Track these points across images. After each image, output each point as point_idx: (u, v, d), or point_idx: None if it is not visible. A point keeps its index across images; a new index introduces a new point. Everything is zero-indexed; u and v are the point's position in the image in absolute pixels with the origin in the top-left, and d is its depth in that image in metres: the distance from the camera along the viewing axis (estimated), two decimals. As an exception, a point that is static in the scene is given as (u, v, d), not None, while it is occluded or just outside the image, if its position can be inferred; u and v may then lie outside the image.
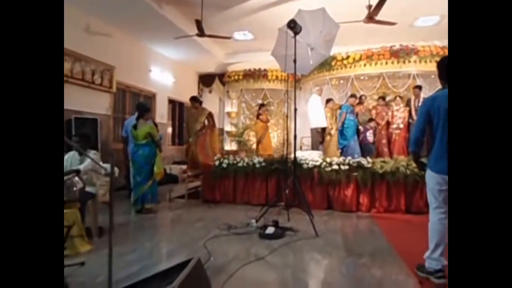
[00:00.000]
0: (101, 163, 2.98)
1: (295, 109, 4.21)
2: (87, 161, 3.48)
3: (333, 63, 7.60)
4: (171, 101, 9.22)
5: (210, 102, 10.52)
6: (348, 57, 7.42)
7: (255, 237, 3.62)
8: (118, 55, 6.68)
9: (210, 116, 6.25)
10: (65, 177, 3.16)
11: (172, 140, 9.46)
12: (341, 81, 7.94)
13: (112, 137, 6.65)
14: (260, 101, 9.49)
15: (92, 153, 3.58)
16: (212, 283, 2.25)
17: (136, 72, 7.42)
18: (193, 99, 6.38)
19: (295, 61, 4.04)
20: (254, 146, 8.87)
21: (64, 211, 2.96)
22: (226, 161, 5.64)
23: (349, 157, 5.23)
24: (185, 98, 9.64)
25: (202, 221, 4.40)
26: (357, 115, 7.20)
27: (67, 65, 5.45)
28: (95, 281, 2.47)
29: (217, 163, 5.66)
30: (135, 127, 4.85)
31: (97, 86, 6.15)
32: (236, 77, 9.65)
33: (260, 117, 8.20)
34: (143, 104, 5.32)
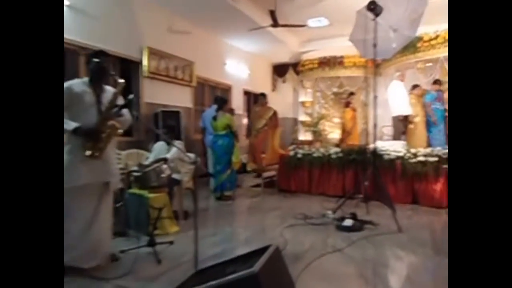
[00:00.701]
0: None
1: (375, 97, 4.00)
2: (173, 150, 3.82)
3: (418, 45, 6.96)
4: (246, 93, 9.50)
5: (284, 92, 10.58)
6: (437, 36, 6.72)
7: (331, 229, 3.58)
8: (197, 50, 7.10)
9: (274, 115, 6.16)
10: (155, 165, 3.53)
11: (247, 131, 9.77)
12: (428, 64, 7.25)
13: (193, 128, 7.14)
14: (335, 89, 9.21)
15: (177, 143, 3.92)
16: (289, 271, 2.31)
17: (213, 66, 7.81)
18: (262, 95, 6.40)
19: (375, 45, 3.83)
20: (338, 136, 8.66)
21: (156, 195, 3.32)
22: (301, 151, 5.64)
23: (438, 148, 4.80)
24: (259, 90, 9.86)
25: (277, 210, 4.51)
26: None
27: (153, 63, 5.99)
28: (183, 259, 2.73)
29: (292, 153, 5.70)
30: (214, 118, 5.17)
31: (179, 81, 6.65)
32: (311, 65, 9.48)
33: (350, 105, 7.90)
34: (222, 97, 5.67)
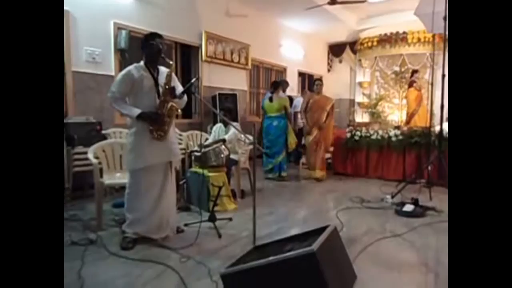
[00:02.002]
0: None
1: (443, 75, 3.68)
2: (231, 132, 3.94)
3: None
4: (301, 74, 9.34)
5: (340, 72, 10.20)
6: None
7: (390, 213, 3.46)
8: (252, 33, 7.10)
9: (333, 107, 5.28)
10: (214, 145, 3.68)
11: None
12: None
13: (248, 110, 7.26)
14: (396, 68, 8.63)
15: (235, 125, 4.02)
16: (346, 251, 2.30)
17: (268, 48, 7.77)
18: (319, 81, 5.33)
19: (446, 18, 3.50)
20: (398, 118, 8.21)
21: (215, 174, 3.47)
22: (358, 133, 5.45)
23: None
24: (314, 71, 9.62)
25: (333, 192, 4.45)
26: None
27: (211, 48, 6.14)
28: (241, 235, 2.85)
29: (348, 135, 5.53)
30: (270, 99, 5.21)
31: (235, 64, 6.75)
32: (370, 43, 8.96)
33: (414, 84, 7.40)
34: (276, 80, 5.69)
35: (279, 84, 5.43)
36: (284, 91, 5.72)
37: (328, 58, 10.37)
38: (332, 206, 3.78)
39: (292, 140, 5.26)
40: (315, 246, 1.68)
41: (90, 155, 3.04)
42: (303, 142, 6.66)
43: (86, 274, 2.12)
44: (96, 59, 4.41)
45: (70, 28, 4.11)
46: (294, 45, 8.64)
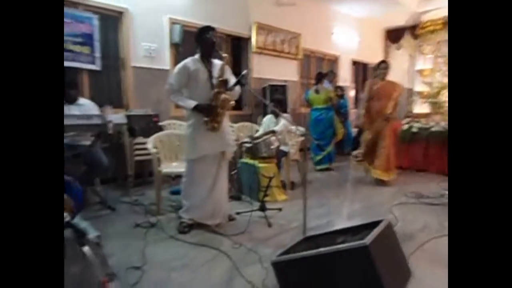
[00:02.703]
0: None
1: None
2: (281, 123, 4.00)
3: None
4: (355, 63, 9.05)
5: (398, 60, 9.67)
6: None
7: (450, 210, 3.29)
8: (303, 22, 7.03)
9: (400, 94, 4.47)
10: (265, 137, 3.77)
11: (355, 104, 9.39)
12: None
13: (299, 101, 7.24)
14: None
15: (285, 116, 4.07)
16: (400, 247, 2.26)
17: (319, 37, 7.64)
18: (383, 63, 4.46)
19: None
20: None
21: (265, 165, 3.57)
22: (416, 125, 5.20)
23: None
24: (369, 59, 9.25)
25: (386, 186, 4.33)
26: None
27: (261, 38, 6.20)
28: (291, 225, 2.93)
29: (405, 127, 5.30)
30: (316, 91, 5.21)
31: (285, 54, 6.75)
32: (432, 27, 8.37)
33: None
34: (320, 71, 5.70)
35: (323, 75, 5.43)
36: (331, 82, 5.71)
37: (385, 44, 9.89)
38: (385, 200, 3.69)
39: (339, 130, 5.30)
40: (368, 239, 1.68)
41: (149, 145, 3.30)
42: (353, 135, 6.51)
43: (148, 253, 2.35)
44: (152, 54, 4.70)
45: (129, 26, 4.43)
46: (348, 32, 8.38)
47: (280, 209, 3.27)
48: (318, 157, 5.27)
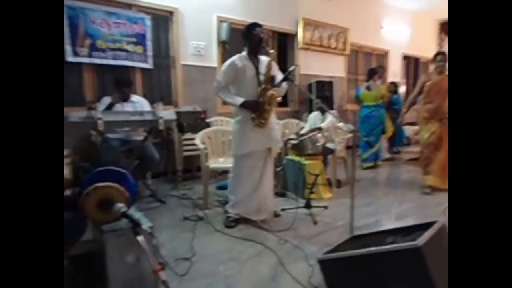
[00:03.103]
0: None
1: None
2: (328, 120, 3.93)
3: None
4: (406, 57, 8.61)
5: (454, 53, 9.06)
6: None
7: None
8: (351, 16, 6.82)
9: None
10: (311, 134, 3.72)
11: (405, 100, 8.95)
12: None
13: (345, 98, 7.06)
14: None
15: (332, 113, 3.99)
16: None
17: (368, 31, 7.37)
18: (441, 55, 3.81)
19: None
20: None
21: (311, 162, 3.53)
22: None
23: None
24: (421, 53, 8.76)
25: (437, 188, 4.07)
26: None
27: (307, 34, 6.12)
28: (337, 224, 2.88)
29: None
30: (368, 88, 5.06)
31: (332, 50, 6.61)
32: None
33: None
34: (371, 68, 5.53)
35: (375, 71, 5.22)
36: (380, 77, 5.52)
37: (439, 37, 9.31)
38: (435, 202, 3.47)
39: (389, 128, 5.16)
40: (420, 241, 1.60)
41: (197, 141, 3.41)
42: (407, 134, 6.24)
43: (196, 245, 2.44)
44: (201, 52, 4.84)
45: (179, 25, 4.60)
46: (398, 25, 7.99)
47: (325, 207, 3.22)
48: (365, 155, 5.17)
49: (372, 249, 1.74)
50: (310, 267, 2.11)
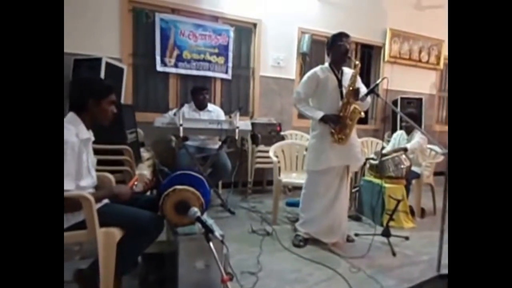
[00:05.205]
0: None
1: None
2: (415, 140, 3.68)
3: None
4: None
5: None
6: None
7: None
8: (446, 27, 6.34)
9: None
10: (394, 154, 3.52)
11: None
12: None
13: (435, 117, 6.54)
14: None
15: (419, 134, 3.73)
16: None
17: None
18: None
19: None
20: None
21: (393, 185, 3.33)
22: None
23: None
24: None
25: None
26: None
27: (395, 47, 5.86)
28: (420, 258, 2.65)
29: None
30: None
31: (423, 64, 6.22)
32: None
33: None
34: None
35: None
36: None
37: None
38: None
39: None
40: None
41: (271, 153, 3.46)
42: None
43: (263, 261, 2.45)
44: (280, 63, 4.95)
45: (261, 36, 4.77)
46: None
47: (407, 238, 2.99)
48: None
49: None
50: (386, 302, 1.98)
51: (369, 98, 2.68)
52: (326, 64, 2.77)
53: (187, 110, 3.73)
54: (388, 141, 4.45)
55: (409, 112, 4.47)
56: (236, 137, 3.29)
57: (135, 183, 1.99)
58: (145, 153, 3.44)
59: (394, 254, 2.68)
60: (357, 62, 2.64)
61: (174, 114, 3.21)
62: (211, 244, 1.62)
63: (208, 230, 1.66)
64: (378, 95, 2.61)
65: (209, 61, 4.44)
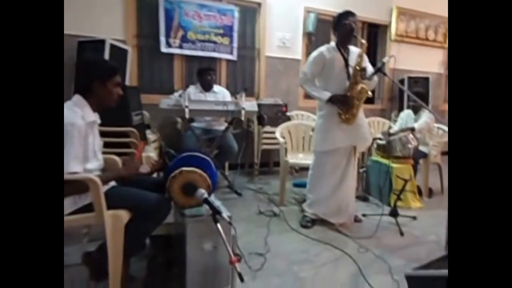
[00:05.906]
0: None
1: None
2: (423, 120, 3.58)
3: None
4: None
5: None
6: None
7: None
8: (458, 3, 6.11)
9: None
10: (401, 134, 3.43)
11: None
12: None
13: (443, 97, 6.39)
14: None
15: (426, 113, 3.62)
16: None
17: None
18: None
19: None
20: None
21: (400, 165, 3.26)
22: None
23: None
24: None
25: None
26: None
27: (402, 25, 5.66)
28: (427, 238, 2.61)
29: None
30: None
31: (430, 42, 6.03)
32: None
33: None
34: None
35: None
36: None
37: None
38: None
39: None
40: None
41: (277, 134, 3.39)
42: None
43: (271, 242, 2.42)
44: (286, 43, 4.80)
45: (266, 16, 4.62)
46: None
47: (414, 218, 2.94)
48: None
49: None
50: (394, 282, 1.94)
51: (376, 78, 2.58)
52: (332, 44, 2.66)
53: (193, 91, 3.64)
54: (395, 120, 4.35)
55: (416, 91, 4.34)
56: (242, 118, 3.21)
57: (142, 149, 1.92)
58: (151, 135, 3.39)
59: (401, 234, 2.64)
60: (363, 41, 2.52)
61: (180, 96, 3.13)
62: (218, 225, 1.58)
63: (215, 212, 1.62)
64: (385, 74, 2.51)
65: (214, 42, 4.32)
